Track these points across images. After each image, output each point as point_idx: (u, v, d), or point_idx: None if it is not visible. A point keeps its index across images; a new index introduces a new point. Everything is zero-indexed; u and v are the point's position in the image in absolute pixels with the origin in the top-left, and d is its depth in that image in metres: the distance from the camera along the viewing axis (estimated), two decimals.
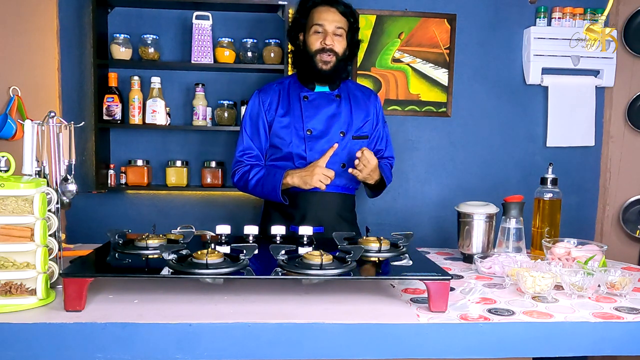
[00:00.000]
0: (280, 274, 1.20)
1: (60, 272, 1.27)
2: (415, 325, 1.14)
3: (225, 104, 2.60)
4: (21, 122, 2.32)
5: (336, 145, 1.81)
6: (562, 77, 2.77)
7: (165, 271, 1.20)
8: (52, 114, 1.36)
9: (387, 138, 2.04)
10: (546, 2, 2.72)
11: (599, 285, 1.35)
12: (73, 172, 1.41)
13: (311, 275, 1.21)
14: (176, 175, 2.61)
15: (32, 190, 1.17)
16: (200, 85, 2.60)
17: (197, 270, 1.18)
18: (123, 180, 2.60)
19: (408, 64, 2.74)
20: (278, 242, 1.48)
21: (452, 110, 2.77)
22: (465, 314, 1.19)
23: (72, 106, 2.61)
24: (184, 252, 1.30)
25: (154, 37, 2.55)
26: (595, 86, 2.79)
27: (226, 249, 1.35)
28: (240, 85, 2.70)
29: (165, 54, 2.65)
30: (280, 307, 1.20)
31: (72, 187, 1.39)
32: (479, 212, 1.70)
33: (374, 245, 1.43)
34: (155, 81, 2.55)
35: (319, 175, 1.74)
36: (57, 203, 1.31)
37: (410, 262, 1.35)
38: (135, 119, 2.54)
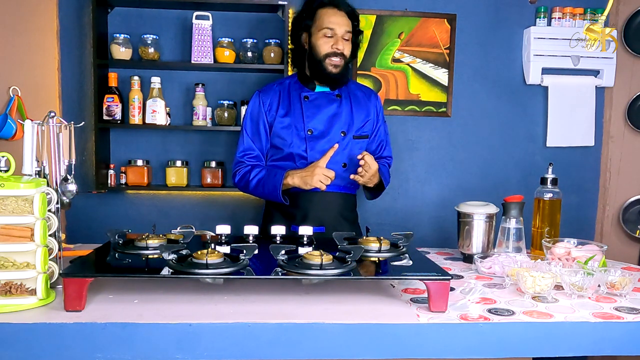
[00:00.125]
0: (280, 274, 1.20)
1: (60, 272, 1.27)
2: (415, 325, 1.14)
3: (225, 104, 2.60)
4: (21, 122, 2.32)
5: (336, 145, 1.81)
6: (562, 77, 2.77)
7: (165, 271, 1.20)
8: (52, 114, 1.36)
9: (386, 138, 2.04)
10: (546, 2, 2.72)
11: (599, 285, 1.35)
12: (73, 172, 1.41)
13: (311, 275, 1.21)
14: (176, 175, 2.61)
15: (32, 190, 1.17)
16: (200, 85, 2.60)
17: (197, 270, 1.18)
18: (123, 180, 2.60)
19: (408, 64, 2.74)
20: (278, 242, 1.48)
21: (452, 110, 2.77)
22: (465, 314, 1.19)
23: (72, 106, 2.61)
24: (184, 252, 1.30)
25: (154, 37, 2.55)
26: (595, 86, 2.79)
27: (226, 249, 1.35)
28: (240, 85, 2.70)
29: (165, 54, 2.65)
30: (280, 307, 1.20)
31: (72, 187, 1.39)
32: (479, 212, 1.70)
33: (374, 245, 1.43)
34: (155, 81, 2.55)
35: (319, 176, 1.74)
36: (57, 203, 1.31)
37: (410, 262, 1.35)
38: (135, 119, 2.54)
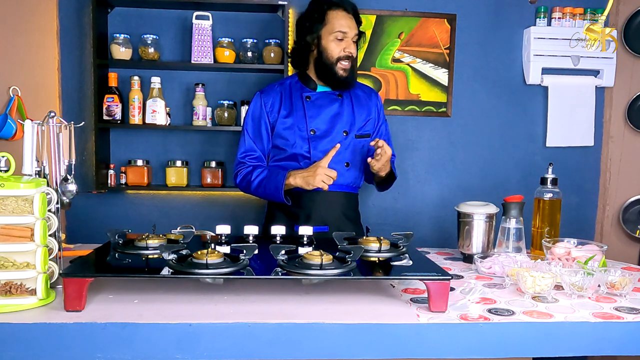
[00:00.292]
0: (280, 274, 1.20)
1: (60, 272, 1.27)
2: (415, 325, 1.14)
3: (225, 104, 2.60)
4: (21, 122, 2.32)
5: (338, 145, 1.80)
6: (562, 77, 2.77)
7: (165, 271, 1.20)
8: (52, 114, 1.36)
9: (388, 136, 2.04)
10: (546, 2, 2.72)
11: (599, 285, 1.35)
12: (73, 172, 1.41)
13: (311, 275, 1.21)
14: (176, 175, 2.61)
15: (32, 190, 1.17)
16: (200, 85, 2.60)
17: (197, 270, 1.18)
18: (123, 180, 2.60)
19: (408, 64, 2.74)
20: (278, 242, 1.48)
21: (452, 110, 2.77)
22: (465, 314, 1.19)
23: (72, 106, 2.61)
24: (184, 252, 1.30)
25: (154, 37, 2.55)
26: (595, 86, 2.79)
27: (226, 249, 1.35)
28: (240, 85, 2.70)
29: (165, 54, 2.65)
30: (280, 307, 1.20)
31: (72, 187, 1.39)
32: (479, 212, 1.70)
33: (374, 245, 1.43)
34: (155, 81, 2.55)
35: (321, 176, 1.73)
36: (57, 203, 1.31)
37: (410, 262, 1.35)
38: (135, 119, 2.54)
